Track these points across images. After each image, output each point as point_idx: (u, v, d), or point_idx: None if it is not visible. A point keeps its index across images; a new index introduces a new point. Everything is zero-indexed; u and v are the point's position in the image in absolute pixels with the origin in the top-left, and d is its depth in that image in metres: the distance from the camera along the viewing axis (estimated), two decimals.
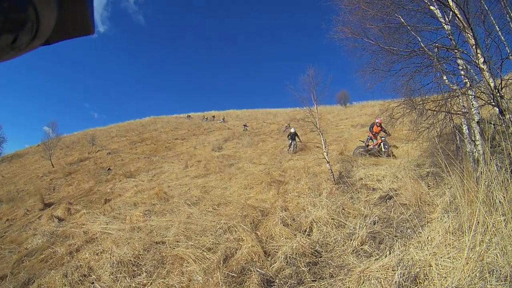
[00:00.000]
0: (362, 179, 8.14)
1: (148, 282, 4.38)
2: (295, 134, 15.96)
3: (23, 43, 0.47)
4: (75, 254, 5.98)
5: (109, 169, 18.54)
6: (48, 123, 27.56)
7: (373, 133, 11.89)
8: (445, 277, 2.91)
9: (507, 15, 5.44)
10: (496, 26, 5.47)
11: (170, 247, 5.35)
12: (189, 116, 46.93)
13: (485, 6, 5.26)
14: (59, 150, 27.67)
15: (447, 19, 5.63)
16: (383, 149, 10.79)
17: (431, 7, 5.69)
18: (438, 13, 5.68)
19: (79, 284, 4.70)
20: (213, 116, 43.09)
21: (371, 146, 11.59)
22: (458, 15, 4.53)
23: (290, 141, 15.90)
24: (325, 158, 8.41)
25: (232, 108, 52.39)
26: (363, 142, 12.40)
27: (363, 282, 3.45)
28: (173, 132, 32.72)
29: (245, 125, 29.24)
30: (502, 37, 5.51)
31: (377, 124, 11.77)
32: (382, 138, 11.13)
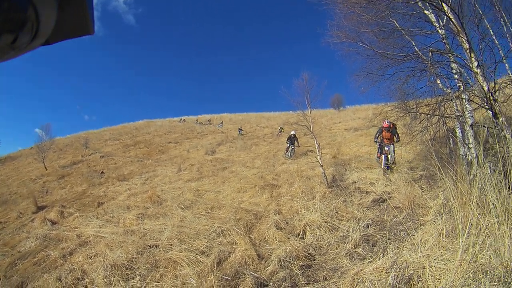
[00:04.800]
0: (355, 182, 8.17)
1: (142, 286, 4.37)
2: (294, 137, 14.95)
3: (23, 43, 0.47)
4: (68, 257, 5.98)
5: (102, 172, 18.59)
6: (41, 125, 27.46)
7: (380, 141, 9.41)
8: (439, 279, 2.90)
9: (501, 19, 5.53)
10: (490, 30, 5.55)
11: (163, 250, 5.33)
12: (184, 120, 46.92)
13: (479, 10, 5.33)
14: (52, 153, 27.71)
15: (441, 23, 5.70)
16: (382, 166, 8.83)
17: (426, 12, 5.76)
18: (432, 17, 5.75)
19: (72, 287, 4.69)
20: (209, 120, 42.98)
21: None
22: (452, 20, 4.58)
23: (289, 145, 14.92)
24: (318, 161, 8.44)
25: (225, 112, 52.67)
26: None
27: (357, 285, 3.44)
28: (166, 135, 32.94)
29: (240, 129, 29.11)
30: (496, 41, 5.59)
31: (385, 128, 9.27)
32: (386, 149, 8.97)
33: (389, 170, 8.49)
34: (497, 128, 4.19)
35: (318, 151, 8.61)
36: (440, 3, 4.61)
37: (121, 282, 4.54)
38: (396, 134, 9.22)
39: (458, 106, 6.11)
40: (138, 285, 4.41)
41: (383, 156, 8.98)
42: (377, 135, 9.64)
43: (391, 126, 8.99)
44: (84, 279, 4.87)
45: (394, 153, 9.09)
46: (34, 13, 0.45)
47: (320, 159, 8.45)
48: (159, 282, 4.35)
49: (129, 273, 4.82)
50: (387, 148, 9.01)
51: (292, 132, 15.24)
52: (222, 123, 38.23)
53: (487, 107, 4.30)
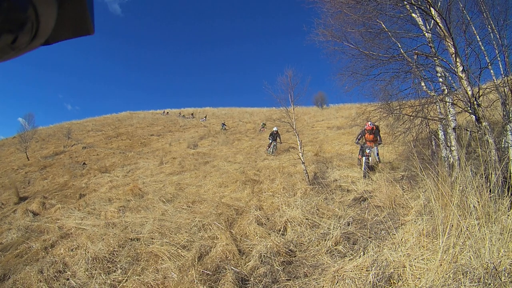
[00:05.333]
0: (336, 180, 8.26)
1: (124, 279, 4.33)
2: (277, 134, 14.98)
3: (23, 43, 0.47)
4: (50, 249, 5.92)
5: (84, 163, 18.38)
6: (24, 115, 26.93)
7: (362, 143, 9.20)
8: (419, 278, 2.96)
9: (489, 26, 5.64)
10: (477, 36, 5.67)
11: (144, 244, 5.35)
12: (167, 112, 46.51)
13: (467, 16, 5.43)
14: (34, 143, 27.35)
15: (428, 27, 5.77)
16: (363, 168, 8.54)
17: (413, 15, 5.82)
18: (419, 20, 5.81)
19: (54, 280, 4.64)
20: (192, 114, 42.41)
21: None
22: (439, 24, 4.63)
23: (271, 141, 14.94)
24: (300, 158, 8.47)
25: (209, 106, 52.34)
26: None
27: (337, 282, 3.47)
28: (149, 128, 32.68)
29: (223, 124, 28.72)
30: (482, 47, 5.71)
31: (368, 131, 9.10)
32: (368, 151, 8.65)
33: (370, 172, 8.34)
34: (479, 132, 4.28)
35: (300, 148, 8.64)
36: (428, 7, 4.67)
37: (102, 275, 4.51)
38: (379, 137, 9.11)
39: (441, 109, 6.23)
40: (120, 278, 4.38)
41: (363, 158, 8.76)
42: (358, 137, 9.51)
43: (374, 128, 8.93)
44: (66, 272, 4.84)
45: (378, 155, 9.15)
46: (34, 13, 0.45)
47: (302, 156, 8.48)
48: (140, 276, 4.32)
49: (111, 266, 4.80)
50: (368, 151, 8.75)
51: (275, 129, 15.23)
52: (206, 117, 37.71)
53: (470, 111, 4.39)
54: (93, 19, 0.55)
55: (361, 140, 9.31)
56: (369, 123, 8.65)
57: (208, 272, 4.10)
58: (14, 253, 6.03)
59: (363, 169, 8.53)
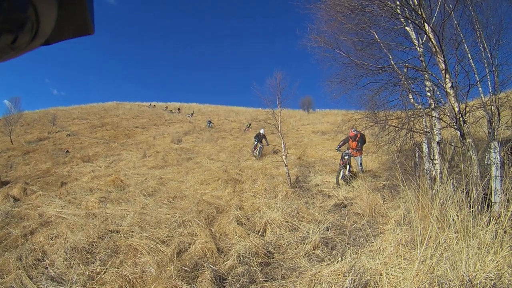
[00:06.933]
0: (318, 185, 8.33)
1: (102, 271, 4.32)
2: (263, 136, 14.30)
3: (23, 43, 0.47)
4: (30, 237, 5.90)
5: (67, 151, 18.27)
6: (11, 97, 26.41)
7: (347, 152, 8.81)
8: (395, 286, 3.00)
9: (481, 45, 5.75)
10: (469, 54, 5.77)
11: (124, 236, 5.35)
12: (154, 105, 46.20)
13: (461, 34, 5.52)
14: (19, 127, 26.84)
15: (420, 41, 5.84)
16: (340, 178, 8.38)
17: (407, 28, 5.87)
18: (412, 34, 5.87)
19: (32, 268, 4.60)
20: (179, 109, 41.96)
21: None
22: (432, 39, 4.70)
23: (256, 143, 14.38)
24: (283, 161, 8.50)
25: (195, 101, 52.06)
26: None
27: (314, 286, 3.50)
28: (134, 119, 32.63)
29: (209, 121, 28.61)
30: (473, 65, 5.81)
31: (351, 137, 9.06)
32: (346, 157, 8.54)
33: (351, 180, 8.19)
34: (463, 148, 4.37)
35: (284, 150, 8.68)
36: (422, 22, 4.73)
37: (81, 265, 4.51)
38: (360, 144, 8.97)
39: (427, 122, 6.33)
40: (98, 270, 4.37)
41: (342, 168, 8.55)
42: (340, 144, 9.45)
43: (358, 135, 8.87)
44: (45, 260, 4.83)
45: (361, 165, 9.13)
46: (34, 13, 0.45)
47: (285, 158, 8.52)
48: (119, 268, 4.29)
49: (89, 257, 4.80)
50: (347, 157, 8.62)
51: (262, 131, 14.76)
52: (193, 113, 37.43)
53: (456, 127, 4.48)
54: (93, 19, 0.55)
55: (342, 147, 9.29)
56: (353, 130, 8.62)
57: (186, 268, 4.10)
58: None
59: (340, 177, 8.43)
